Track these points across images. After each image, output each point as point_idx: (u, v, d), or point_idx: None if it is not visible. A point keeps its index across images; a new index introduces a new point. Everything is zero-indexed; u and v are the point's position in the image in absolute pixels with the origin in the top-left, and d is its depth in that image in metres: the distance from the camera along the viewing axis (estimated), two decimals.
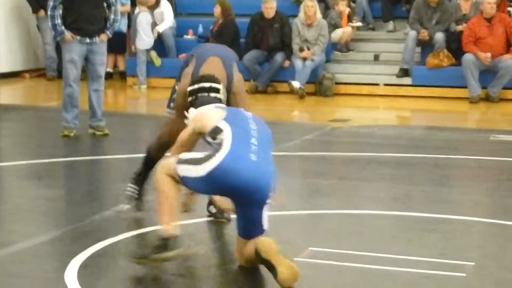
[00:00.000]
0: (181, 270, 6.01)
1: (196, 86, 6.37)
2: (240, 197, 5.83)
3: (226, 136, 5.81)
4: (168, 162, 5.97)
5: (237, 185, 5.73)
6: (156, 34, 16.27)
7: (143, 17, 16.00)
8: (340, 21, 15.97)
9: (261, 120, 6.16)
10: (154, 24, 16.32)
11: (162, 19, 16.53)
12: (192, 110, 6.21)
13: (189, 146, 6.20)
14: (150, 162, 7.31)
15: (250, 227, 5.92)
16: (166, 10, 16.66)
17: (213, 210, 7.10)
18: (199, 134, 6.07)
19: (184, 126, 6.26)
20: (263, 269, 5.65)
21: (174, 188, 5.91)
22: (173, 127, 6.89)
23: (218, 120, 5.93)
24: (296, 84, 14.74)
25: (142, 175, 7.45)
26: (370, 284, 5.85)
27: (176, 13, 17.39)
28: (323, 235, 6.83)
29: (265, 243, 5.67)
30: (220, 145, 5.78)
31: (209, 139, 5.92)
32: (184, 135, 6.18)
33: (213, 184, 5.76)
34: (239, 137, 5.84)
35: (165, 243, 5.89)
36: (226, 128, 5.86)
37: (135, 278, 5.86)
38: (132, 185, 7.47)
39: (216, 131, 5.87)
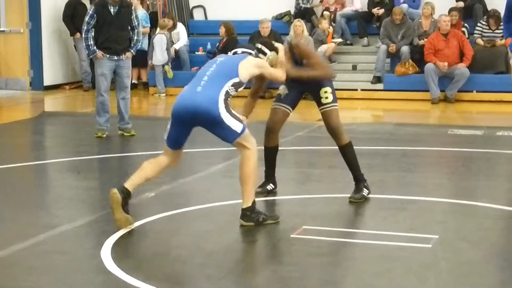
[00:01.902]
0: (199, 246, 5.96)
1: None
2: (187, 119, 6.26)
3: None
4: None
5: (176, 109, 6.28)
6: (173, 51, 16.25)
7: (159, 39, 15.97)
8: (325, 38, 15.93)
9: (238, 57, 6.61)
10: (171, 43, 16.30)
11: (178, 39, 16.55)
12: None
13: None
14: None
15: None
16: (181, 31, 16.72)
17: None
18: None
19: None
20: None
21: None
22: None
23: None
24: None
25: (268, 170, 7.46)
26: (354, 254, 5.82)
27: (189, 33, 17.38)
28: (314, 215, 6.79)
29: (110, 192, 6.26)
30: None
31: None
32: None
33: (172, 118, 6.33)
34: (196, 77, 6.40)
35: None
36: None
37: (160, 254, 5.82)
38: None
39: None
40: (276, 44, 6.82)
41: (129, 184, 6.37)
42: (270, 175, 7.41)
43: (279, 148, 7.47)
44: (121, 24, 10.87)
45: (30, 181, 8.77)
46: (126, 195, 6.29)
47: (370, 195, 7.30)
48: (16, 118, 13.08)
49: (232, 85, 6.33)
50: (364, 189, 7.26)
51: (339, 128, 7.26)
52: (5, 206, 7.31)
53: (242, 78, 6.40)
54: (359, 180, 7.28)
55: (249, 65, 6.48)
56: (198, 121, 6.25)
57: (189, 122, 6.28)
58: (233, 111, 6.31)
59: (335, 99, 7.25)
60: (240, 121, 6.29)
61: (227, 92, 6.28)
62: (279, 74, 6.72)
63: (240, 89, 6.44)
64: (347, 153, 7.31)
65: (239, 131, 6.22)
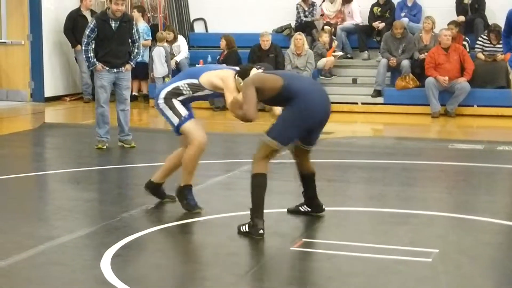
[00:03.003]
0: (197, 258, 5.97)
1: None
2: None
3: None
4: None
5: None
6: (174, 63, 16.27)
7: (157, 51, 15.99)
8: (325, 51, 15.95)
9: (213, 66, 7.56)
10: (172, 55, 16.32)
11: (179, 51, 16.57)
12: None
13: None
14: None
15: None
16: (182, 44, 16.74)
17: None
18: None
19: None
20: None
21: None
22: None
23: None
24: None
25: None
26: (353, 268, 5.81)
27: (190, 46, 17.40)
28: (314, 228, 6.79)
29: None
30: None
31: None
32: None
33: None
34: None
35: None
36: None
37: (159, 266, 5.82)
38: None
39: None
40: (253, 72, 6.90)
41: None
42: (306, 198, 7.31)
43: (280, 160, 7.45)
44: (122, 39, 10.89)
45: (30, 192, 8.77)
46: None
47: (370, 209, 7.30)
48: (17, 129, 13.09)
49: (187, 84, 7.01)
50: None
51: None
52: (5, 217, 7.31)
53: (201, 81, 6.98)
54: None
55: (215, 74, 6.98)
56: None
57: None
58: (176, 105, 7.02)
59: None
60: (180, 116, 7.07)
61: (177, 87, 7.04)
62: (227, 95, 6.93)
63: (198, 93, 7.03)
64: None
65: (175, 123, 7.12)
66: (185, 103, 7.16)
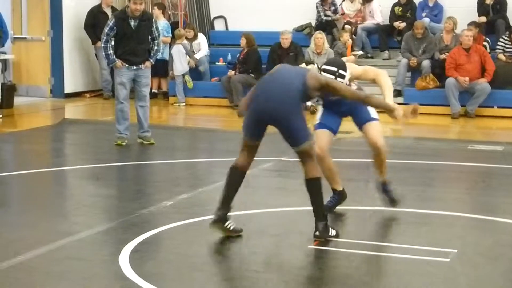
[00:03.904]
0: (215, 254, 5.99)
1: None
2: None
3: None
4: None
5: None
6: (194, 61, 16.29)
7: (177, 49, 16.02)
8: (345, 50, 15.95)
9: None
10: (192, 53, 16.35)
11: (199, 49, 16.59)
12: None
13: None
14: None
15: None
16: (202, 41, 16.75)
17: None
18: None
19: None
20: None
21: None
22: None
23: None
24: (308, 102, 14.68)
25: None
26: (372, 267, 5.82)
27: (210, 44, 17.43)
28: (332, 227, 6.79)
29: None
30: None
31: None
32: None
33: None
34: None
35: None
36: None
37: (177, 261, 5.85)
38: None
39: None
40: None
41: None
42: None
43: (292, 159, 7.43)
44: (141, 37, 10.93)
45: (50, 188, 8.83)
46: None
47: (389, 208, 7.30)
48: (37, 125, 13.17)
49: None
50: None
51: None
52: (25, 212, 7.37)
53: None
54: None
55: None
56: None
57: None
58: None
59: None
60: None
61: None
62: None
63: None
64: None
65: None
66: None
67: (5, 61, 15.84)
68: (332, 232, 6.34)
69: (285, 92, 6.23)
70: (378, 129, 7.22)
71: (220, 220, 6.36)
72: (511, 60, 15.02)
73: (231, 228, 6.41)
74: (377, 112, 7.20)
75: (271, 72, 6.51)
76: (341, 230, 6.66)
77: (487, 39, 15.61)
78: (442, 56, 15.21)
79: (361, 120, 7.23)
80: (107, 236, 6.56)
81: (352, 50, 16.16)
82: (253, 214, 7.05)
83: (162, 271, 5.60)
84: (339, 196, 7.30)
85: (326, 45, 15.61)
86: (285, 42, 15.69)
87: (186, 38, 16.32)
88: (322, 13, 16.87)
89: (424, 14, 16.37)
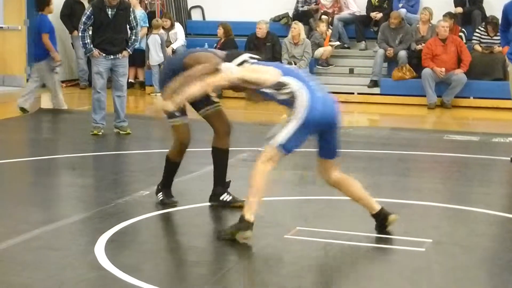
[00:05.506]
0: (192, 244, 5.98)
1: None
2: (326, 127, 6.24)
3: (295, 87, 6.07)
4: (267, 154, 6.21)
5: (327, 118, 6.20)
6: (170, 51, 16.26)
7: (152, 39, 15.98)
8: (322, 41, 15.97)
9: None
10: (169, 43, 16.31)
11: (176, 39, 16.57)
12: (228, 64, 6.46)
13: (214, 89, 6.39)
14: (172, 166, 7.18)
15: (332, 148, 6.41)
16: (179, 31, 16.74)
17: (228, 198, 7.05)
18: (245, 83, 6.29)
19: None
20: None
21: (266, 186, 6.04)
22: (183, 130, 6.92)
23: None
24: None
25: (168, 180, 7.16)
26: (347, 257, 5.83)
27: (187, 34, 17.40)
28: (308, 217, 6.81)
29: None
30: (293, 94, 6.06)
31: (269, 90, 6.15)
32: (215, 79, 6.22)
33: (312, 124, 6.09)
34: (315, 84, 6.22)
35: (248, 225, 5.94)
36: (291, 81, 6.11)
37: (153, 251, 5.84)
38: (161, 193, 7.12)
39: (281, 85, 6.12)
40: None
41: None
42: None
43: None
44: (118, 27, 10.89)
45: (25, 177, 8.78)
46: None
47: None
48: (13, 115, 13.08)
49: None
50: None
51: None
52: (0, 202, 7.32)
53: None
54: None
55: None
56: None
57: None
58: None
59: None
60: None
61: None
62: None
63: None
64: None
65: None
66: None
67: None
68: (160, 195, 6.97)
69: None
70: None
71: (214, 195, 6.97)
72: (487, 51, 15.10)
73: (227, 200, 6.96)
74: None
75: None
76: (317, 220, 6.67)
77: (463, 29, 15.68)
78: (419, 47, 15.27)
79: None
80: (83, 226, 6.53)
81: (329, 40, 16.19)
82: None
83: (138, 261, 5.58)
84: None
85: (303, 35, 15.62)
86: (260, 32, 15.68)
87: (163, 28, 16.27)
88: (300, 3, 16.87)
89: (400, 5, 16.43)
